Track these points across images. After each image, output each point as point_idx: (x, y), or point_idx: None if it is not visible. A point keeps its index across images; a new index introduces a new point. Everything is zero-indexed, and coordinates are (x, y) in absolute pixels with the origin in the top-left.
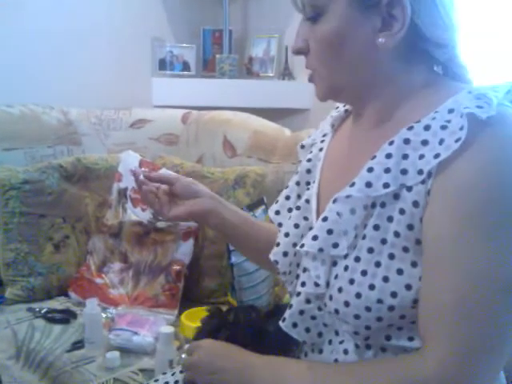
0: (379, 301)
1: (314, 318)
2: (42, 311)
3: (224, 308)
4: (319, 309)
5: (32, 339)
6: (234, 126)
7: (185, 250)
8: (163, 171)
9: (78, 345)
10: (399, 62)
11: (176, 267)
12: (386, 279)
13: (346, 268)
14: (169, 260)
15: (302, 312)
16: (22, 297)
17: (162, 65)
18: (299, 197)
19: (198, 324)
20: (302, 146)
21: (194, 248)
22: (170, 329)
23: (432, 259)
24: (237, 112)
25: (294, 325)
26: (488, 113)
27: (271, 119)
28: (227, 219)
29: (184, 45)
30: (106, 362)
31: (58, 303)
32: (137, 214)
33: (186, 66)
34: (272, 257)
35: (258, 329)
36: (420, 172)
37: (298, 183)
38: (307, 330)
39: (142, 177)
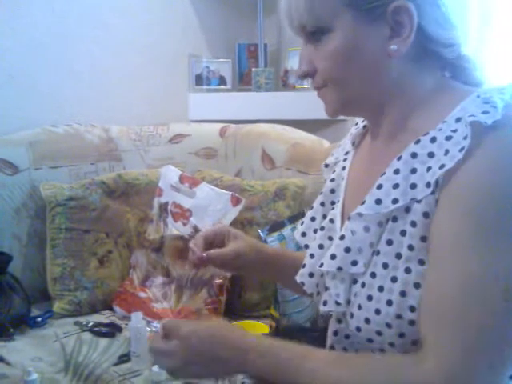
0: (398, 316)
1: (347, 337)
2: (89, 325)
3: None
4: None
5: (80, 352)
6: (271, 138)
7: None
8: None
9: (124, 358)
10: (410, 66)
11: (218, 281)
12: (403, 294)
13: (363, 285)
14: (211, 273)
15: (336, 333)
16: (69, 311)
17: (199, 80)
18: (325, 217)
19: None
20: (326, 165)
21: None
22: None
23: (433, 256)
24: (274, 124)
25: (331, 347)
26: (494, 117)
27: (308, 131)
28: (265, 251)
29: (220, 60)
30: (152, 376)
31: (103, 317)
32: (178, 229)
33: (222, 81)
34: (298, 278)
35: None
36: (428, 185)
37: (322, 204)
38: (344, 349)
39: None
